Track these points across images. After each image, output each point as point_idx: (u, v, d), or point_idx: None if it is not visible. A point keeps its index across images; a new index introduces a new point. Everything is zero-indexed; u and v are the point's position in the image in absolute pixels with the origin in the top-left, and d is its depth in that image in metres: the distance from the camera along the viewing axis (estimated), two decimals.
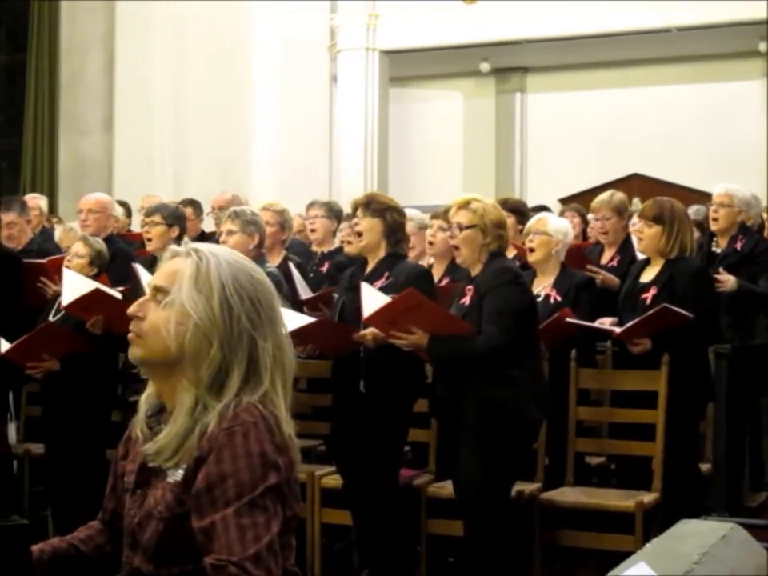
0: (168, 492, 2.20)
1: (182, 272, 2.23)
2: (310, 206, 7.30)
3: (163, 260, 2.31)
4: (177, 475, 2.20)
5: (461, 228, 4.77)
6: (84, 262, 5.79)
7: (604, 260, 6.44)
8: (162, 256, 2.33)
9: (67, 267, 5.76)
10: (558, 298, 5.47)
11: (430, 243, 6.09)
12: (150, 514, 2.22)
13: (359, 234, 5.12)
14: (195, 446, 2.16)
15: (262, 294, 2.27)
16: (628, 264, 6.13)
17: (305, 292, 6.33)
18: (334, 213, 7.24)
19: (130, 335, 2.28)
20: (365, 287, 4.86)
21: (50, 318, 5.85)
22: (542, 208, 7.39)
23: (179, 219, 6.04)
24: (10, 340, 5.64)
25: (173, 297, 2.22)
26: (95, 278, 5.78)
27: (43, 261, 6.44)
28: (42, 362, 5.61)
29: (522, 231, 6.10)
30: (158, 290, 2.25)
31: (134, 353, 2.27)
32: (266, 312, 2.26)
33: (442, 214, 5.84)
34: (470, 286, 4.78)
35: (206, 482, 2.13)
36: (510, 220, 6.18)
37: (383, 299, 4.73)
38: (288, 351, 2.29)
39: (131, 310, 2.28)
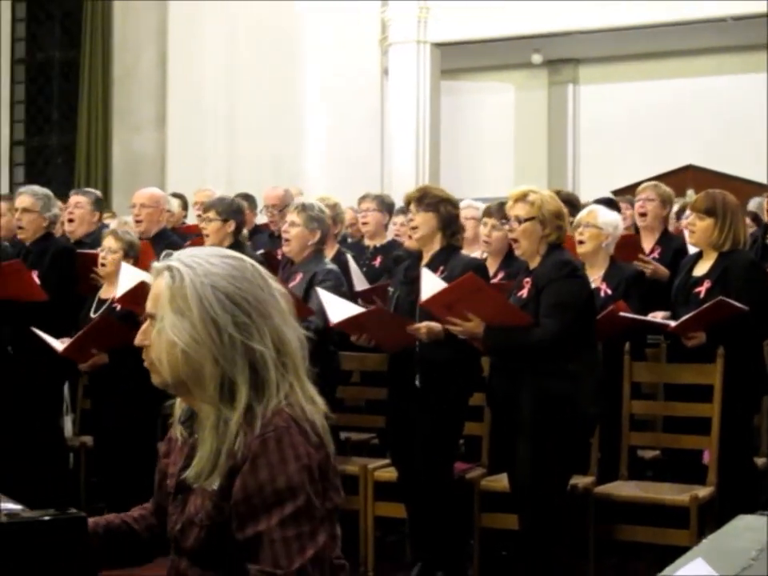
0: (207, 500, 2.20)
1: (162, 295, 2.19)
2: (362, 199, 7.31)
3: (152, 278, 2.26)
4: (214, 484, 2.18)
5: (519, 221, 4.72)
6: (118, 257, 5.82)
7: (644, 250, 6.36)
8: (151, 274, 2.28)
9: (103, 264, 5.81)
10: (609, 291, 5.43)
11: (486, 242, 6.02)
12: (192, 521, 2.23)
13: (414, 228, 5.12)
14: (229, 454, 2.15)
15: (247, 292, 2.19)
16: (671, 256, 6.09)
17: (361, 284, 6.35)
18: (386, 206, 7.25)
19: (145, 363, 2.28)
20: (425, 273, 4.87)
21: (91, 313, 5.89)
22: (608, 201, 7.29)
23: (235, 213, 6.03)
24: (48, 330, 5.71)
25: (159, 325, 2.19)
26: None
27: (97, 251, 6.50)
28: (90, 356, 5.67)
29: (572, 224, 6.04)
30: (150, 316, 2.23)
31: (154, 380, 2.27)
32: (255, 309, 2.18)
33: (495, 211, 5.81)
34: (527, 279, 4.74)
35: (243, 492, 2.12)
36: None
37: (442, 285, 4.73)
38: (291, 338, 2.23)
39: (137, 340, 2.27)
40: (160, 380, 2.25)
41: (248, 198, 8.06)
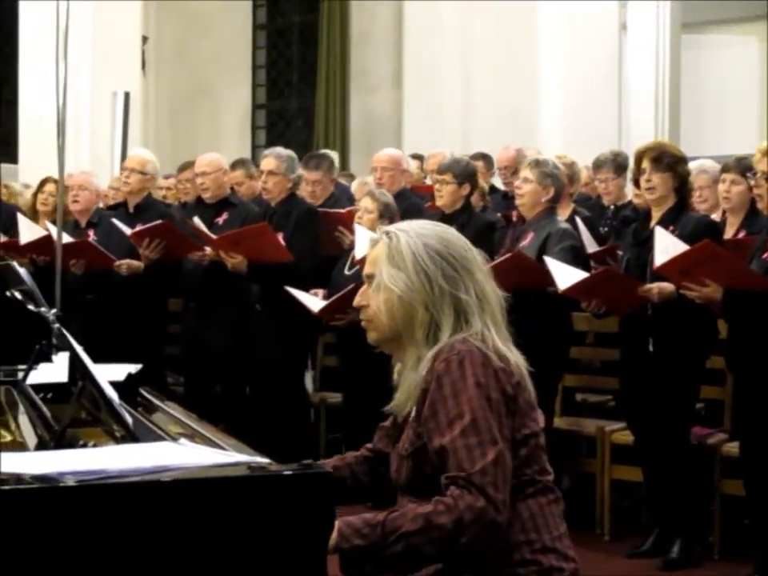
0: (409, 429, 2.45)
1: (380, 255, 2.49)
2: (598, 169, 7.04)
3: (369, 249, 2.57)
4: (413, 412, 2.44)
5: (766, 178, 4.50)
6: (374, 217, 5.92)
7: None
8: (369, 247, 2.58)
9: (359, 223, 5.91)
10: None
11: (725, 198, 5.76)
12: (401, 456, 2.46)
13: (650, 189, 4.99)
14: (421, 381, 2.39)
15: (453, 250, 2.47)
16: None
17: (591, 246, 6.24)
18: (622, 167, 7.04)
19: (362, 323, 2.57)
20: (659, 232, 4.74)
21: (346, 272, 6.02)
22: None
23: (470, 177, 6.03)
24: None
25: (378, 280, 2.47)
26: None
27: (342, 210, 6.61)
28: (345, 315, 5.79)
29: None
30: (369, 277, 2.53)
31: (370, 337, 2.56)
32: (461, 264, 2.45)
33: (735, 166, 5.57)
34: None
35: (430, 408, 2.35)
36: None
37: (677, 244, 4.60)
38: (491, 292, 2.48)
39: (356, 301, 2.57)
40: (376, 335, 2.53)
41: (485, 157, 8.04)
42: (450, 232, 2.53)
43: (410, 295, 2.42)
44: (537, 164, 5.52)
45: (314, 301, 5.82)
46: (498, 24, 11.67)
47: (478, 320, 2.42)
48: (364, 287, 2.55)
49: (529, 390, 2.42)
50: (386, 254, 2.46)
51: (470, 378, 2.32)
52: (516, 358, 2.44)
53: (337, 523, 2.19)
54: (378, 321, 2.49)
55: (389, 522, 2.25)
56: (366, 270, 2.54)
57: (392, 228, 2.52)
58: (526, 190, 5.48)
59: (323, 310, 5.75)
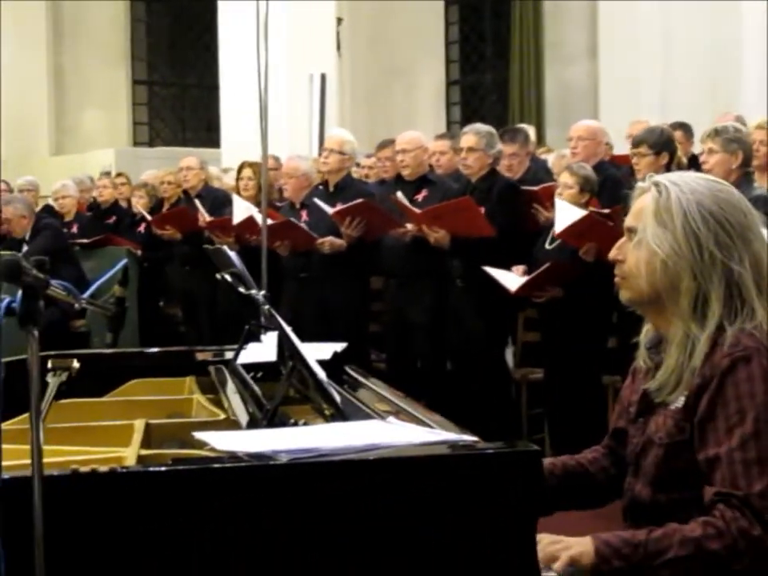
0: (669, 419, 2.21)
1: (645, 209, 2.24)
2: None
3: (633, 198, 2.33)
4: (678, 402, 2.19)
5: None
6: (574, 192, 5.86)
7: None
8: (632, 195, 2.34)
9: (559, 198, 5.86)
10: None
11: None
12: (651, 440, 2.24)
13: None
14: (697, 373, 2.14)
15: (731, 214, 2.21)
16: None
17: None
18: None
19: (616, 279, 2.33)
20: None
21: (546, 246, 5.98)
22: None
23: (667, 144, 5.87)
24: (496, 264, 5.87)
25: (640, 236, 2.24)
26: (587, 204, 5.84)
27: (536, 188, 6.56)
28: (545, 292, 5.78)
29: None
30: (629, 230, 2.29)
31: (623, 295, 2.32)
32: (737, 232, 2.20)
33: None
34: None
35: (708, 410, 2.11)
36: None
37: None
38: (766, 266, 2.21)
39: (612, 254, 2.33)
40: (630, 295, 2.30)
41: (683, 126, 7.83)
42: (729, 191, 2.26)
43: (675, 260, 2.18)
44: (717, 133, 5.30)
45: (511, 279, 5.79)
46: None
47: (754, 296, 2.17)
48: (622, 240, 2.31)
49: None
50: (652, 210, 2.22)
51: (758, 383, 2.08)
52: None
53: (592, 541, 2.09)
54: (633, 279, 2.27)
55: (652, 544, 2.06)
56: (628, 221, 2.30)
57: (663, 179, 2.27)
58: (715, 162, 5.23)
59: (521, 289, 5.72)
